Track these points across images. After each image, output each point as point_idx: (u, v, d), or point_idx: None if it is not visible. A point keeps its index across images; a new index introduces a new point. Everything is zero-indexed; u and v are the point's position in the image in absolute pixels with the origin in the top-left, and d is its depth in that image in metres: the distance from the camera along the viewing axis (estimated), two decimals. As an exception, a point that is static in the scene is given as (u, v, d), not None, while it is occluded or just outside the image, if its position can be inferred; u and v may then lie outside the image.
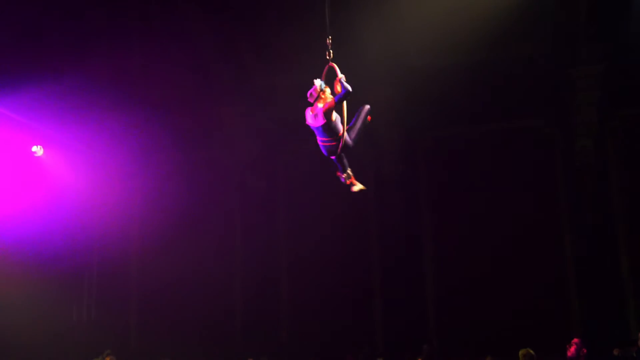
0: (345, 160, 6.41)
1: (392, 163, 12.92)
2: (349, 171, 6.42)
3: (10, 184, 11.46)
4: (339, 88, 6.21)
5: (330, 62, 6.37)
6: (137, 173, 13.76)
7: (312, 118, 6.24)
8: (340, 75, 6.15)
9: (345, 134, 6.23)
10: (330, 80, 6.29)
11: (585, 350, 5.74)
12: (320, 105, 6.13)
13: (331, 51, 6.40)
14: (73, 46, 10.94)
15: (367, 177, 13.23)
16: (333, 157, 6.36)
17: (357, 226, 13.22)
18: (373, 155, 12.92)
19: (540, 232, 12.44)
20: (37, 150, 11.74)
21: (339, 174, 6.47)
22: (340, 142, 6.19)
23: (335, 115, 6.18)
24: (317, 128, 6.22)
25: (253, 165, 13.42)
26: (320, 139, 6.31)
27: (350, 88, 5.97)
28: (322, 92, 6.17)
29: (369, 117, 6.52)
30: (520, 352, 8.92)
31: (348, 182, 6.44)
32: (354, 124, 6.41)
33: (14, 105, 10.72)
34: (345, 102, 6.14)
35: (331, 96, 6.21)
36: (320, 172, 11.98)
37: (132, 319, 13.85)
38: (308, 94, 6.24)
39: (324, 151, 6.37)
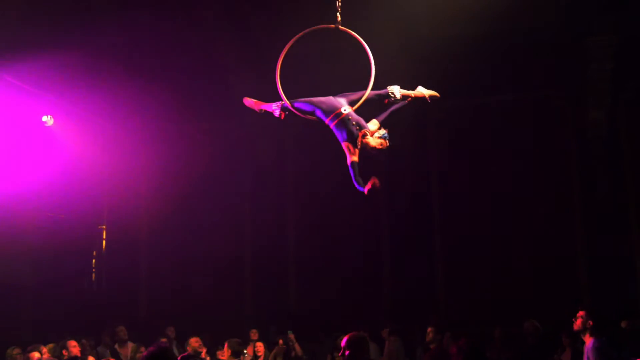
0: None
1: (401, 134, 12.83)
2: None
3: (20, 154, 11.48)
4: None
5: (340, 26, 5.97)
6: (146, 143, 13.78)
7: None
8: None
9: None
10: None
11: (591, 323, 5.71)
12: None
13: (339, 14, 5.96)
14: (84, 15, 10.88)
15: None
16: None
17: (366, 197, 13.20)
18: (382, 127, 12.83)
19: (551, 204, 12.42)
20: (48, 120, 11.74)
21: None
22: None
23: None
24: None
25: (263, 135, 13.41)
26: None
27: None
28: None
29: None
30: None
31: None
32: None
33: (24, 75, 10.70)
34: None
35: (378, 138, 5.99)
36: (330, 142, 12.01)
37: (142, 290, 13.98)
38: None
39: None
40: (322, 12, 6.14)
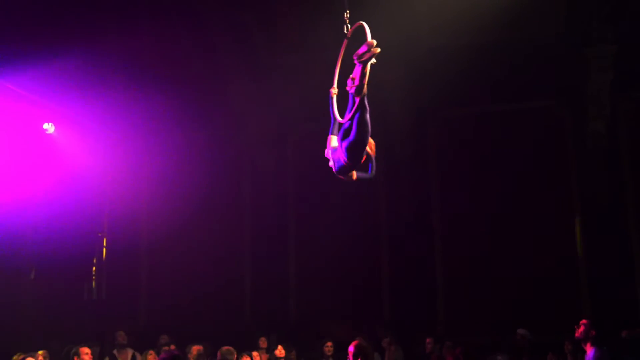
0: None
1: (402, 143, 12.86)
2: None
3: (21, 161, 11.50)
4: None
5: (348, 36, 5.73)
6: (146, 151, 13.79)
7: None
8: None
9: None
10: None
11: (594, 332, 5.73)
12: None
13: (349, 25, 5.74)
14: (84, 23, 10.93)
15: (377, 156, 13.29)
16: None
17: (366, 205, 13.21)
18: (383, 135, 12.85)
19: (551, 213, 12.41)
20: (49, 127, 11.77)
21: None
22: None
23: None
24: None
25: (263, 144, 13.42)
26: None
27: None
28: None
29: None
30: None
31: None
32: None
33: (25, 83, 10.73)
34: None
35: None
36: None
37: (142, 298, 13.93)
38: None
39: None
40: (323, 30, 6.11)
